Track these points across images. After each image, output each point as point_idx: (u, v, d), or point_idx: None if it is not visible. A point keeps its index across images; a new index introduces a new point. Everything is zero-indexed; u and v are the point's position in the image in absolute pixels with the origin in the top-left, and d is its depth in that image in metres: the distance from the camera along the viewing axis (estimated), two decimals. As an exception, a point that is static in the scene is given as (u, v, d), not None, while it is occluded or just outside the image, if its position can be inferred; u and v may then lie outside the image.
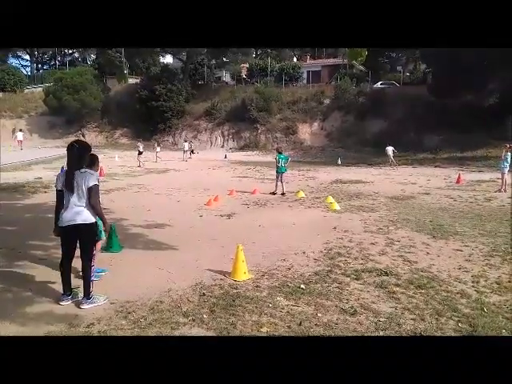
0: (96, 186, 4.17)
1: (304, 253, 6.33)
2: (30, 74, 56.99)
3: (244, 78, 43.46)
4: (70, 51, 62.94)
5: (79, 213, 4.10)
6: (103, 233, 4.81)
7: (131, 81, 45.70)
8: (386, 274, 5.40)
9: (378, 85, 36.83)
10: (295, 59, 55.48)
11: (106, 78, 44.73)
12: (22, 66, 63.78)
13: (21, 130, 35.35)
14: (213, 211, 9.66)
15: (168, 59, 52.47)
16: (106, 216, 4.59)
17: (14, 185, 12.58)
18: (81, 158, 4.23)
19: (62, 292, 4.36)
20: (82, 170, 4.15)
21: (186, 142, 28.13)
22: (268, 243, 6.86)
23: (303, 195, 12.13)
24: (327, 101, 35.53)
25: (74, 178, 4.08)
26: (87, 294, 4.26)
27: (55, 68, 53.02)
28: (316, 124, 34.53)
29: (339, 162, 24.83)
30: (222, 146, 35.31)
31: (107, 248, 6.14)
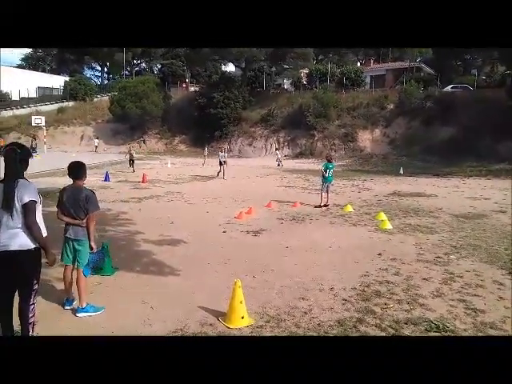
0: (32, 202, 3.21)
1: (332, 289, 4.99)
2: (100, 83, 60.26)
3: (303, 84, 42.23)
4: (138, 61, 66.12)
5: (13, 236, 3.17)
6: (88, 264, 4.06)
7: (192, 89, 46.64)
8: (439, 329, 3.92)
9: (449, 88, 33.74)
10: (359, 64, 53.26)
11: (168, 86, 45.98)
12: (96, 76, 67.90)
13: (97, 138, 39.04)
14: (240, 226, 8.52)
15: (230, 67, 52.79)
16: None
17: (55, 189, 12.35)
18: (22, 165, 3.32)
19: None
20: (20, 181, 3.23)
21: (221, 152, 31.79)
22: (290, 272, 5.59)
23: (351, 209, 10.62)
24: (391, 106, 33.26)
25: (12, 192, 3.18)
26: (27, 340, 3.31)
27: (124, 78, 55.40)
28: (378, 130, 32.33)
29: (401, 171, 22.65)
30: (277, 154, 34.25)
31: (97, 270, 5.28)
